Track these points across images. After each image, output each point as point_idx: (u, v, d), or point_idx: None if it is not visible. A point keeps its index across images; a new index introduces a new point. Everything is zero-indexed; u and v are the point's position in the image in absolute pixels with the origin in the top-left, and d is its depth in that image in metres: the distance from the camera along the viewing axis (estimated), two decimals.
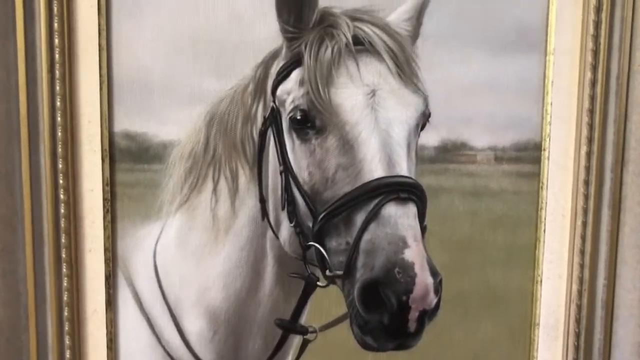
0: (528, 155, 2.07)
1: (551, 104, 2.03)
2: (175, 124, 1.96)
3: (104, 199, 1.98)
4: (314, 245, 1.72)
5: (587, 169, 2.02)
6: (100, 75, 1.94)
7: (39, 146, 1.94)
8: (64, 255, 1.96)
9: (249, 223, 1.93)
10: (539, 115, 2.05)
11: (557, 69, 2.02)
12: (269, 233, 1.92)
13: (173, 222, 2.00)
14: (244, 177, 1.93)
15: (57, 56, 1.90)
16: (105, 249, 1.99)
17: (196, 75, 1.95)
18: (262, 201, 1.91)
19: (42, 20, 1.88)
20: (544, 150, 2.06)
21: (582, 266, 2.06)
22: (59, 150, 1.93)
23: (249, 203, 1.93)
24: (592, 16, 1.97)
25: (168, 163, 1.98)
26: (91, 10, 1.92)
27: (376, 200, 1.62)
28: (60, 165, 1.93)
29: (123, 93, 1.96)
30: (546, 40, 2.02)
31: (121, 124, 1.97)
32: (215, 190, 1.96)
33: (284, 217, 1.83)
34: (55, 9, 1.88)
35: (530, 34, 2.02)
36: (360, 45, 1.76)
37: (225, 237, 1.95)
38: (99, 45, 1.93)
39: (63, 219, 1.95)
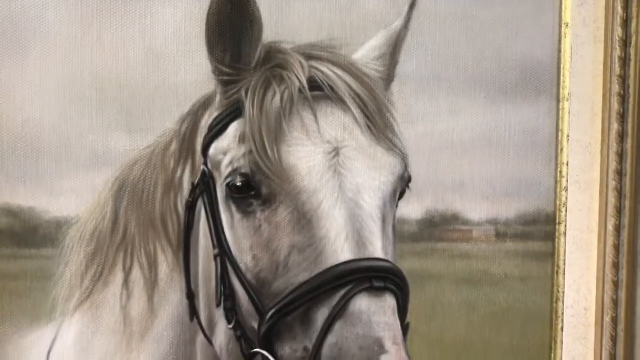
0: (538, 231, 2.12)
1: (567, 164, 2.11)
2: (72, 195, 1.98)
3: None
4: (261, 353, 1.70)
5: (617, 248, 2.07)
6: None
7: None
8: None
9: (173, 325, 1.94)
10: (552, 179, 2.12)
11: (574, 120, 2.10)
12: (200, 338, 1.92)
13: (71, 324, 1.99)
14: (166, 265, 1.94)
15: None
16: None
17: (101, 130, 1.97)
18: (191, 296, 1.91)
19: None
20: (560, 223, 2.12)
21: None
22: None
23: (172, 299, 1.94)
24: (617, 52, 2.06)
25: (63, 247, 1.98)
26: None
27: (343, 292, 1.62)
28: None
29: (3, 156, 1.98)
30: (558, 84, 2.11)
31: (1, 197, 1.98)
32: (126, 282, 1.96)
33: (220, 316, 1.83)
34: None
35: (538, 75, 2.10)
36: (319, 91, 1.80)
37: (141, 344, 1.95)
38: None
39: None
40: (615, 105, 2.07)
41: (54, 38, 1.96)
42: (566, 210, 2.12)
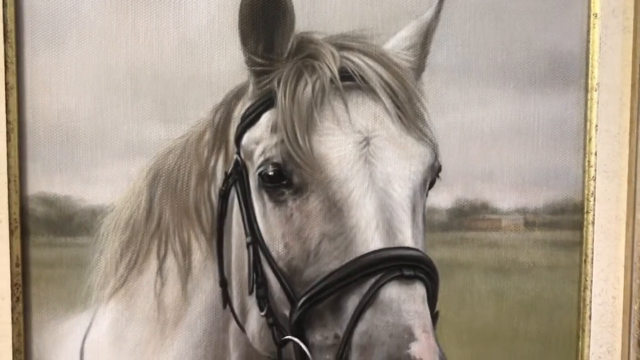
0: (567, 220, 2.12)
1: (595, 154, 2.10)
2: (107, 184, 2.00)
3: (13, 285, 1.99)
4: (292, 340, 1.72)
5: None
6: (8, 122, 1.97)
7: None
8: None
9: (206, 312, 1.97)
10: (580, 169, 2.12)
11: (602, 110, 2.09)
12: (233, 325, 1.95)
13: (106, 312, 2.02)
14: (199, 253, 1.96)
15: None
16: (15, 350, 2.00)
17: (135, 120, 1.99)
18: (224, 284, 1.94)
19: None
20: (588, 212, 2.12)
21: None
22: None
23: (205, 286, 1.96)
24: None
25: (98, 235, 2.01)
26: None
27: (373, 280, 1.63)
28: None
29: (39, 145, 2.00)
30: (587, 74, 2.10)
31: (37, 186, 2.01)
32: (160, 270, 1.99)
33: (252, 303, 1.85)
34: None
35: (566, 66, 2.10)
36: (350, 81, 1.81)
37: (174, 331, 1.98)
38: (6, 83, 1.97)
39: None
40: None
41: (89, 28, 1.99)
42: (594, 200, 2.12)
